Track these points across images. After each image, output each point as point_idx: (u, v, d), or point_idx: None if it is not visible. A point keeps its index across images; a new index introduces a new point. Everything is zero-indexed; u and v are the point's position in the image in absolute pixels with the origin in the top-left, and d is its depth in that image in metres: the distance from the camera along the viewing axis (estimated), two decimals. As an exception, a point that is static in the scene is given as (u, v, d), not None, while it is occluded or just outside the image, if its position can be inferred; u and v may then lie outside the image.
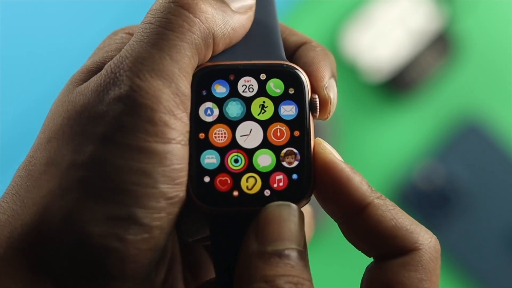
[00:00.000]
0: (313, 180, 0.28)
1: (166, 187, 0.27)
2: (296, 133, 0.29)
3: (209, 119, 0.29)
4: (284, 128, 0.29)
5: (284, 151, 0.29)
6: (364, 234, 0.28)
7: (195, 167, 0.28)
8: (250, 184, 0.28)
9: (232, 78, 0.29)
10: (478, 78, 0.88)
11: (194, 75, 0.28)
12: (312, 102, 0.29)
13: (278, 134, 0.29)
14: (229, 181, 0.28)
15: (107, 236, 0.26)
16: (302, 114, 0.29)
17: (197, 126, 0.28)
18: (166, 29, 0.27)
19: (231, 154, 0.28)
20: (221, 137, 0.29)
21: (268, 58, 0.30)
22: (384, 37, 0.87)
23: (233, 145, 0.28)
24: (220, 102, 0.29)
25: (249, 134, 0.29)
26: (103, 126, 0.27)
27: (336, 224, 0.29)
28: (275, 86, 0.29)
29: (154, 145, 0.26)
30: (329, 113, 0.30)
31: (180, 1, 0.28)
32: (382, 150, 0.87)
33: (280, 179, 0.28)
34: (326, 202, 0.29)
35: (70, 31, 0.81)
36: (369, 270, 0.28)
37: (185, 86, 0.28)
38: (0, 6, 0.78)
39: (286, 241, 0.27)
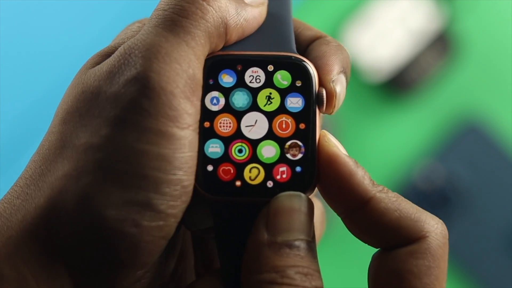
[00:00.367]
0: (317, 174, 0.28)
1: (183, 174, 0.26)
2: (302, 126, 0.29)
3: (214, 108, 0.28)
4: (289, 120, 0.29)
5: (288, 143, 0.28)
6: (369, 228, 0.28)
7: (199, 155, 0.28)
8: (253, 174, 0.28)
9: (239, 68, 0.29)
10: (478, 78, 0.88)
11: None
12: (319, 96, 0.29)
13: (284, 126, 0.29)
14: (232, 171, 0.28)
15: (123, 220, 0.26)
16: (308, 107, 0.29)
17: (203, 114, 0.28)
18: (180, 16, 0.27)
19: (235, 144, 0.28)
20: (226, 126, 0.28)
21: (278, 50, 0.30)
22: (384, 37, 0.87)
23: (238, 135, 0.28)
24: (227, 92, 0.29)
25: (254, 125, 0.29)
26: (120, 108, 0.26)
27: (340, 224, 0.29)
28: (283, 78, 0.29)
29: (175, 130, 0.26)
30: (335, 107, 0.30)
31: None
32: (382, 150, 0.87)
33: (284, 171, 0.28)
34: (329, 197, 0.28)
35: (70, 31, 0.81)
36: (376, 258, 0.28)
37: (200, 73, 0.28)
38: (0, 6, 0.78)
39: (296, 232, 0.27)
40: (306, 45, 0.31)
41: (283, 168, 0.28)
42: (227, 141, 0.28)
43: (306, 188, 0.28)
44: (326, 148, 0.28)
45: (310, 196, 0.28)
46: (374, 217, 0.27)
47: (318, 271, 0.27)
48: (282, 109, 0.29)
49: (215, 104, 0.29)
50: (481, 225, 0.84)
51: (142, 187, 0.26)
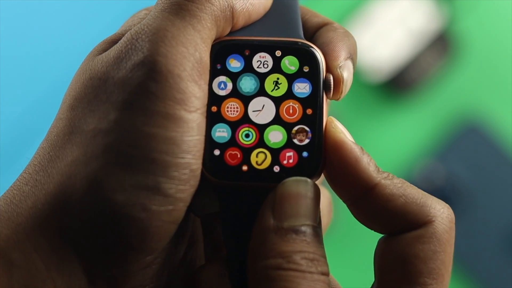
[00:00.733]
0: (323, 159, 0.28)
1: (191, 157, 0.26)
2: (309, 111, 0.29)
3: (222, 92, 0.29)
4: (297, 105, 0.29)
5: (295, 128, 0.28)
6: (375, 215, 0.28)
7: (206, 140, 0.28)
8: (260, 159, 0.28)
9: (247, 53, 0.29)
10: (478, 78, 0.88)
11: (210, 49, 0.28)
12: (326, 81, 0.29)
13: (291, 111, 0.29)
14: (239, 155, 0.28)
15: (132, 205, 0.26)
16: (316, 92, 0.29)
17: (210, 99, 0.28)
18: (186, 0, 0.27)
19: (242, 128, 0.28)
20: (234, 111, 0.28)
21: (285, 35, 0.30)
22: (384, 37, 0.87)
23: (245, 119, 0.28)
24: (234, 77, 0.29)
25: (262, 110, 0.29)
26: (128, 92, 0.26)
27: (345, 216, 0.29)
28: (290, 63, 0.29)
29: (183, 113, 0.26)
30: (342, 93, 0.30)
31: None
32: (382, 150, 0.87)
33: (290, 156, 0.28)
34: (335, 183, 0.28)
35: (70, 31, 0.81)
36: (382, 243, 0.28)
37: (207, 56, 0.28)
38: (0, 6, 0.78)
39: (302, 217, 0.27)
40: (313, 32, 0.31)
41: (290, 153, 0.28)
42: (234, 125, 0.28)
43: (313, 174, 0.28)
44: (332, 134, 0.28)
45: (318, 185, 0.28)
46: (380, 203, 0.27)
47: (324, 257, 0.26)
48: (289, 94, 0.29)
49: (222, 89, 0.29)
50: (481, 225, 0.84)
51: (151, 171, 0.26)
